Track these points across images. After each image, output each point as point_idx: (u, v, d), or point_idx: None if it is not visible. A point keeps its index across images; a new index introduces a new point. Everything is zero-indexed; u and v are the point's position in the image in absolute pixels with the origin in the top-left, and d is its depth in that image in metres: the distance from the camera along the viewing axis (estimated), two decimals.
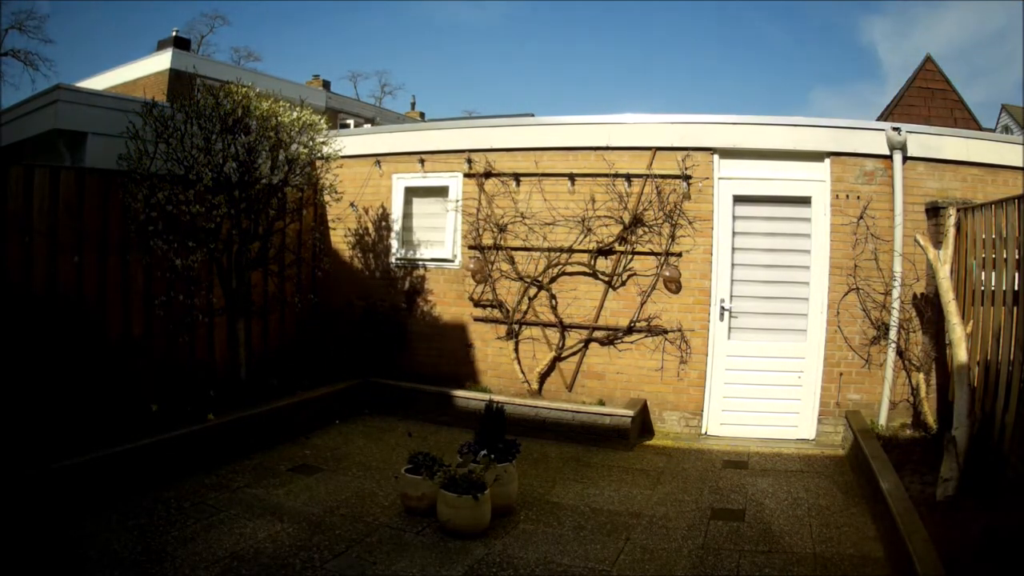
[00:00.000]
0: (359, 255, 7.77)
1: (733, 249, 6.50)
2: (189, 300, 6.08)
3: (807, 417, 6.36)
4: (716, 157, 6.53)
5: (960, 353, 4.93)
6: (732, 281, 6.49)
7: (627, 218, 6.66)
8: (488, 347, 7.17)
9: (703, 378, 6.53)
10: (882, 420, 6.13)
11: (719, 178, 6.53)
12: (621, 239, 6.70)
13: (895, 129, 6.14)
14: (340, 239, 7.84)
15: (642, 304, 6.65)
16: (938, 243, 5.67)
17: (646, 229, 6.65)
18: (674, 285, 6.56)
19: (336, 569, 3.63)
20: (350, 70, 77.91)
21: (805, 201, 6.40)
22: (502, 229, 7.05)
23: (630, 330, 6.68)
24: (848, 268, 6.25)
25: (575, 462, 5.66)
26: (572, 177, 6.84)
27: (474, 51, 68.78)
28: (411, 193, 7.61)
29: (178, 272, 5.76)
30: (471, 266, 7.17)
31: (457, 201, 7.30)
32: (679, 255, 6.57)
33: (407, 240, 7.63)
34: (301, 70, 73.39)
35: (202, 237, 5.81)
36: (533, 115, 12.88)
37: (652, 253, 6.63)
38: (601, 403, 6.65)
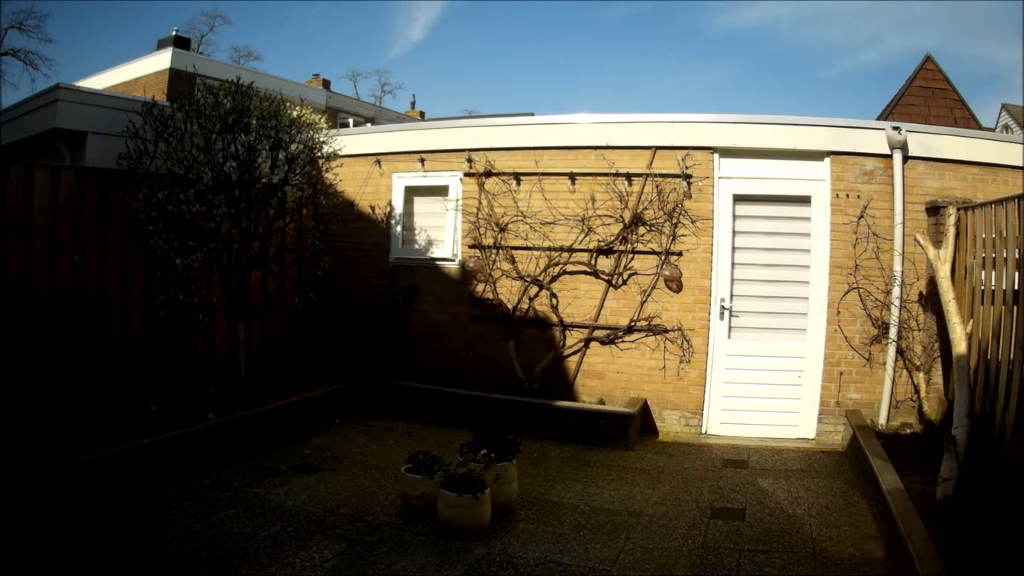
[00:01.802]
0: (359, 254, 7.76)
1: (733, 248, 6.50)
2: (189, 299, 6.07)
3: (807, 416, 6.36)
4: (716, 156, 6.53)
5: (960, 352, 4.93)
6: (732, 280, 6.49)
7: (627, 217, 6.65)
8: (488, 346, 7.17)
9: (703, 377, 6.53)
10: (882, 419, 6.14)
11: (719, 177, 6.53)
12: (622, 238, 6.69)
13: (895, 128, 6.13)
14: (340, 238, 7.83)
15: (643, 303, 6.65)
16: (938, 242, 5.67)
17: (647, 228, 6.65)
18: (675, 284, 6.56)
19: (336, 568, 3.64)
20: (350, 69, 78.10)
21: (805, 200, 6.40)
22: (502, 228, 7.05)
23: (630, 329, 6.68)
24: (848, 267, 6.25)
25: (575, 461, 5.66)
26: (572, 176, 6.84)
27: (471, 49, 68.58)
28: (411, 192, 7.60)
29: (178, 271, 5.76)
30: (471, 265, 7.16)
31: (457, 200, 7.29)
32: (679, 254, 6.57)
33: (407, 239, 7.62)
34: (301, 69, 73.50)
35: (202, 236, 5.81)
36: (533, 114, 12.86)
37: (653, 252, 6.62)
38: (601, 402, 6.66)
